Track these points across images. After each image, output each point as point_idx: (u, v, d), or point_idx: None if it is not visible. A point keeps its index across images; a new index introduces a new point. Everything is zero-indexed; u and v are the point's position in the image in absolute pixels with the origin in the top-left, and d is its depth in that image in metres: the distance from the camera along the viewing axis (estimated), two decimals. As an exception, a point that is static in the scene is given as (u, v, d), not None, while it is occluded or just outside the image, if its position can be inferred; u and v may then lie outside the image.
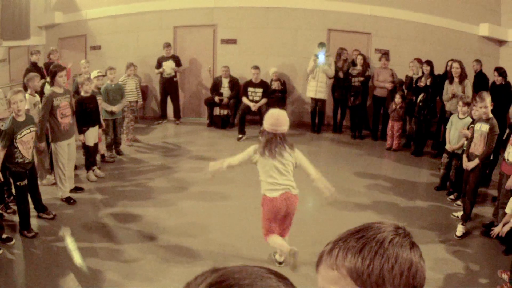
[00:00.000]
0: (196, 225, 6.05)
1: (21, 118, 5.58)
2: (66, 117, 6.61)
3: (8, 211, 6.17)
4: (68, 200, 6.67)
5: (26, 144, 5.60)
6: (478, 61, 9.97)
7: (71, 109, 6.79)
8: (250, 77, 10.90)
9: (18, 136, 5.48)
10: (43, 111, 6.41)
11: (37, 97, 7.01)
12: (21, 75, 9.68)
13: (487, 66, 11.16)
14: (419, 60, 10.40)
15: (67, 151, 6.71)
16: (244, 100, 10.64)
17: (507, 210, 5.36)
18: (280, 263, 5.12)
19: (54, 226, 5.94)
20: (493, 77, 8.90)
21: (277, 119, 4.64)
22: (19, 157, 5.52)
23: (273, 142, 4.58)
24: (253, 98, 10.56)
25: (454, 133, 7.27)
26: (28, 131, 5.63)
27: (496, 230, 5.20)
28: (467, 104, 7.19)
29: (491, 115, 5.98)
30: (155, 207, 6.65)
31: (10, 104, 5.48)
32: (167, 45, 11.56)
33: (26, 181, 5.64)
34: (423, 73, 9.51)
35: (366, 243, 1.07)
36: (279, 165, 4.65)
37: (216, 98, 11.37)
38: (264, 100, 10.58)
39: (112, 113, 8.62)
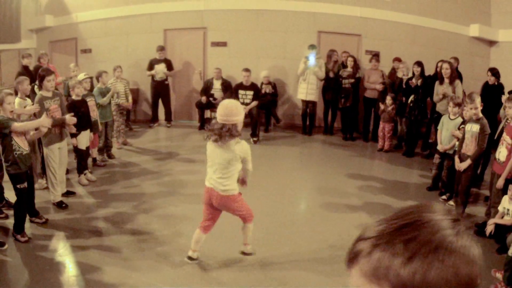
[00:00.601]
0: (187, 227, 6.03)
1: (11, 116, 5.59)
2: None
3: (0, 215, 6.13)
4: (60, 205, 6.63)
5: (20, 135, 5.57)
6: (455, 58, 10.08)
7: (62, 112, 6.76)
8: (240, 79, 10.87)
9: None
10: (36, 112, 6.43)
11: (28, 101, 6.97)
12: (11, 78, 9.65)
13: (478, 66, 11.27)
14: (398, 60, 10.54)
15: (59, 155, 6.69)
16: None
17: (500, 208, 5.42)
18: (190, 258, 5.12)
19: (46, 230, 5.90)
20: (485, 77, 8.95)
21: (227, 108, 4.48)
22: (17, 149, 5.48)
23: (221, 132, 4.44)
24: (244, 101, 10.54)
25: (446, 134, 7.30)
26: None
27: (489, 222, 5.33)
28: (458, 104, 7.24)
29: (481, 115, 6.03)
30: (147, 210, 6.62)
31: (3, 104, 5.44)
32: (161, 48, 11.56)
33: (25, 184, 5.60)
34: (413, 74, 9.56)
35: (419, 250, 0.83)
36: (219, 159, 4.58)
37: (203, 99, 11.36)
38: (254, 103, 10.57)
39: (102, 108, 8.57)
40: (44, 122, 5.74)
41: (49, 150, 6.54)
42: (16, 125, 5.39)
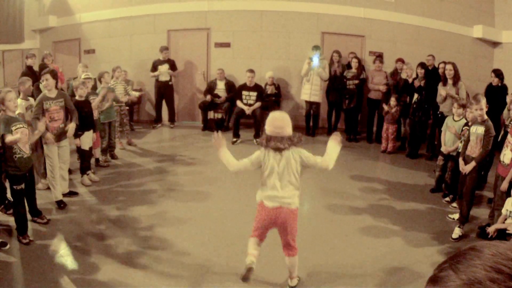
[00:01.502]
0: (191, 228, 6.03)
1: (13, 114, 5.59)
2: (55, 121, 6.59)
3: (8, 212, 6.14)
4: (59, 204, 6.63)
5: (22, 137, 5.58)
6: (431, 56, 10.25)
7: (64, 114, 6.75)
8: (243, 80, 10.87)
9: (13, 128, 5.45)
10: (34, 112, 6.44)
11: (31, 100, 6.97)
12: (15, 79, 9.67)
13: (482, 67, 11.24)
14: (401, 61, 10.56)
15: (59, 154, 6.73)
16: (238, 103, 10.60)
17: (503, 211, 5.39)
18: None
19: (49, 230, 5.90)
20: (489, 78, 8.93)
21: (281, 120, 4.28)
22: (18, 152, 5.48)
23: (276, 140, 4.21)
24: (247, 102, 10.54)
25: (450, 135, 7.28)
26: (22, 125, 5.60)
27: (490, 228, 5.29)
28: (462, 106, 7.21)
29: (486, 117, 5.99)
30: (150, 210, 6.61)
31: (4, 102, 5.45)
32: (165, 49, 11.57)
33: (23, 185, 5.60)
34: (417, 75, 9.54)
35: None
36: (280, 169, 4.28)
37: (208, 97, 11.37)
38: (258, 104, 10.55)
39: (107, 110, 8.59)
40: (41, 128, 5.78)
41: (48, 149, 6.55)
42: (9, 139, 5.38)
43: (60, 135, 6.71)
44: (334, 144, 4.62)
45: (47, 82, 6.54)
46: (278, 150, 4.24)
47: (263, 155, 4.33)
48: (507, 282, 0.67)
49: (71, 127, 6.76)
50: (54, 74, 6.65)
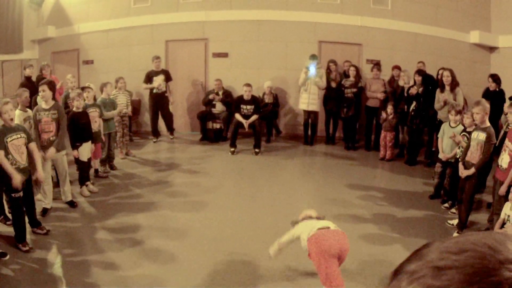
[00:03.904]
0: (190, 239, 6.02)
1: (12, 124, 5.60)
2: (45, 133, 6.60)
3: (8, 222, 6.13)
4: (44, 212, 6.65)
5: (17, 148, 5.57)
6: (422, 62, 10.31)
7: (56, 126, 6.72)
8: (241, 90, 10.83)
9: (9, 139, 5.46)
10: (34, 125, 6.55)
11: (29, 112, 6.99)
12: (14, 89, 9.68)
13: (479, 73, 11.29)
14: (398, 68, 10.60)
15: (54, 166, 6.83)
16: (237, 116, 10.49)
17: (501, 215, 5.40)
18: None
19: (48, 241, 5.89)
20: (486, 83, 8.97)
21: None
22: (13, 163, 5.48)
23: None
24: (245, 114, 10.51)
25: (447, 142, 7.28)
26: (19, 136, 5.61)
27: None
28: (459, 112, 7.24)
29: (488, 123, 6.00)
30: (149, 220, 6.60)
31: (1, 114, 5.47)
32: (156, 58, 11.37)
33: (21, 193, 5.59)
34: (415, 82, 9.57)
35: None
36: None
37: (211, 96, 11.45)
38: (255, 116, 10.48)
39: (106, 121, 8.59)
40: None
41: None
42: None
43: (50, 147, 6.72)
44: None
45: (44, 93, 6.57)
46: None
47: None
48: (452, 257, 0.67)
49: (51, 152, 6.57)
50: (52, 86, 6.68)
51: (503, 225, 5.42)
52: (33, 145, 5.90)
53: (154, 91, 11.33)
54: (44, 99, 6.61)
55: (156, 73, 11.32)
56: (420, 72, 9.53)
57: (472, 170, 5.99)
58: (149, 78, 11.32)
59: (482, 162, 5.97)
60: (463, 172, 6.15)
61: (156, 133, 11.84)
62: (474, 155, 6.05)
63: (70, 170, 7.41)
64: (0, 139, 5.40)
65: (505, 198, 5.63)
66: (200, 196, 7.64)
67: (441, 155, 7.42)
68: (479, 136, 6.01)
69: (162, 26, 12.27)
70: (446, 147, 7.33)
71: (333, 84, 10.99)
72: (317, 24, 11.87)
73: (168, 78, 11.52)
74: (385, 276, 5.11)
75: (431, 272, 0.67)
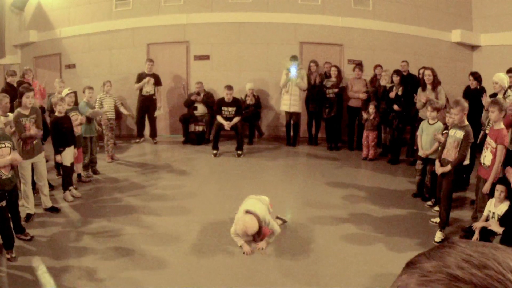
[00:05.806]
0: (174, 242, 5.99)
1: None
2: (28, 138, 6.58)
3: None
4: (27, 217, 6.60)
5: (0, 157, 5.52)
6: (405, 62, 10.45)
7: (37, 128, 6.71)
8: (223, 93, 10.78)
9: None
10: (18, 131, 6.47)
11: (10, 117, 6.93)
12: (-4, 94, 9.55)
13: (460, 71, 11.40)
14: (380, 66, 10.71)
15: (34, 169, 6.77)
16: (219, 118, 10.43)
17: (485, 212, 5.46)
18: None
19: (32, 247, 5.84)
20: (467, 82, 9.03)
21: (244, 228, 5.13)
22: None
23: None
24: (227, 116, 10.50)
25: (426, 139, 7.34)
26: (3, 145, 5.56)
27: (476, 224, 5.43)
28: (436, 109, 7.30)
29: (466, 122, 6.05)
30: (132, 225, 6.55)
31: None
32: (150, 61, 11.47)
33: (3, 203, 5.53)
34: (392, 82, 9.64)
35: None
36: None
37: (193, 97, 11.41)
38: (237, 119, 10.44)
39: (86, 123, 8.55)
40: (17, 158, 5.68)
41: (20, 166, 6.45)
42: None
43: (33, 151, 6.67)
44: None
45: (30, 100, 6.52)
46: None
47: None
48: (471, 270, 0.68)
49: (15, 157, 5.99)
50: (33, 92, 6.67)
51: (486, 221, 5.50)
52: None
53: (143, 93, 11.43)
54: (31, 105, 6.59)
55: (147, 76, 11.41)
56: (398, 72, 9.60)
57: (448, 167, 6.03)
58: (139, 80, 11.43)
59: (458, 161, 6.00)
60: (439, 169, 6.20)
61: (141, 134, 11.89)
62: (451, 152, 6.08)
63: (49, 176, 7.36)
64: None
65: (489, 196, 5.70)
66: (184, 200, 7.61)
67: (420, 152, 7.46)
68: (456, 134, 6.05)
69: (143, 29, 12.21)
70: (425, 144, 7.38)
71: (317, 80, 11.03)
72: (298, 26, 11.90)
73: (157, 82, 11.56)
74: (370, 275, 5.14)
75: (445, 280, 0.67)
